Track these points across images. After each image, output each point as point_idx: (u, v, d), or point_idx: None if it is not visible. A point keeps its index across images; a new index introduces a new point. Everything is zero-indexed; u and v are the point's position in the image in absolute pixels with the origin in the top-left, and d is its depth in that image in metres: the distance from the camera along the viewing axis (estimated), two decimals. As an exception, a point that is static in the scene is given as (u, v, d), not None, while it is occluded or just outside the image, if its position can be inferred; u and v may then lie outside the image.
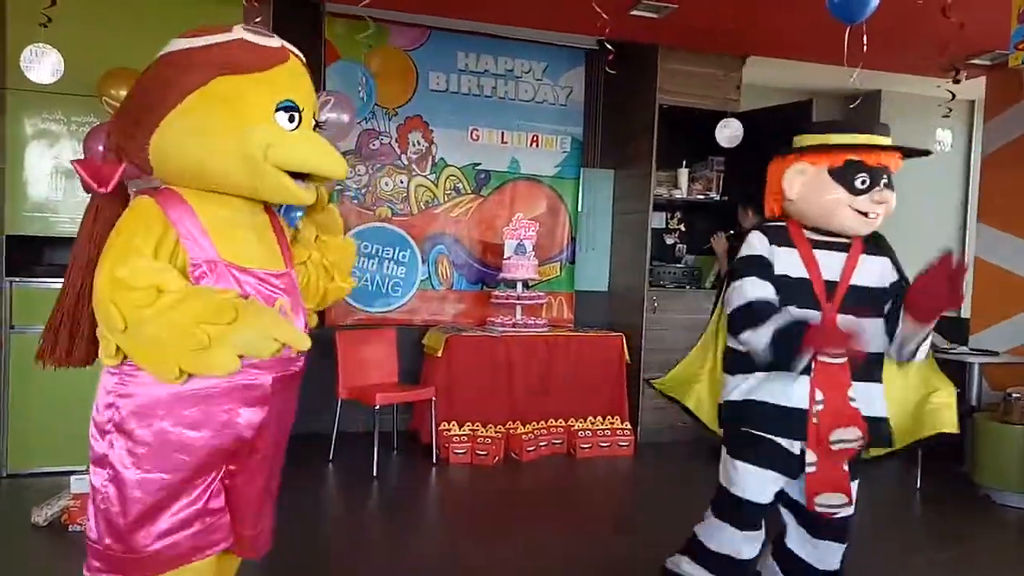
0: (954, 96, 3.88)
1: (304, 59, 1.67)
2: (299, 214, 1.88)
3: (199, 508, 1.57)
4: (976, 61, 4.74)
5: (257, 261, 1.59)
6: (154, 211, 1.48)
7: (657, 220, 5.33)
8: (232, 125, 1.49)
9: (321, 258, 1.84)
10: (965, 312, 6.00)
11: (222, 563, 1.71)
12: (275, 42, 1.61)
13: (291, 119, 1.55)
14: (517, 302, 4.91)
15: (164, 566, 1.54)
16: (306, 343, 1.49)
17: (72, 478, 3.09)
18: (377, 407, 4.07)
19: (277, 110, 1.52)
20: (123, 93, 3.45)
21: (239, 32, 1.58)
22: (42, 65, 3.27)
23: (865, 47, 2.95)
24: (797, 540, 2.17)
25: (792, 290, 2.00)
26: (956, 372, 4.83)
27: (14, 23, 3.65)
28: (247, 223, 1.62)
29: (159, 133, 1.49)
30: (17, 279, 3.77)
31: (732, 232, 4.75)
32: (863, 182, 2.01)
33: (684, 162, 5.30)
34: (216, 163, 1.51)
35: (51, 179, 3.81)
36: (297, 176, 1.56)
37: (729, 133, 4.68)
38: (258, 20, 3.96)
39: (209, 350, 1.40)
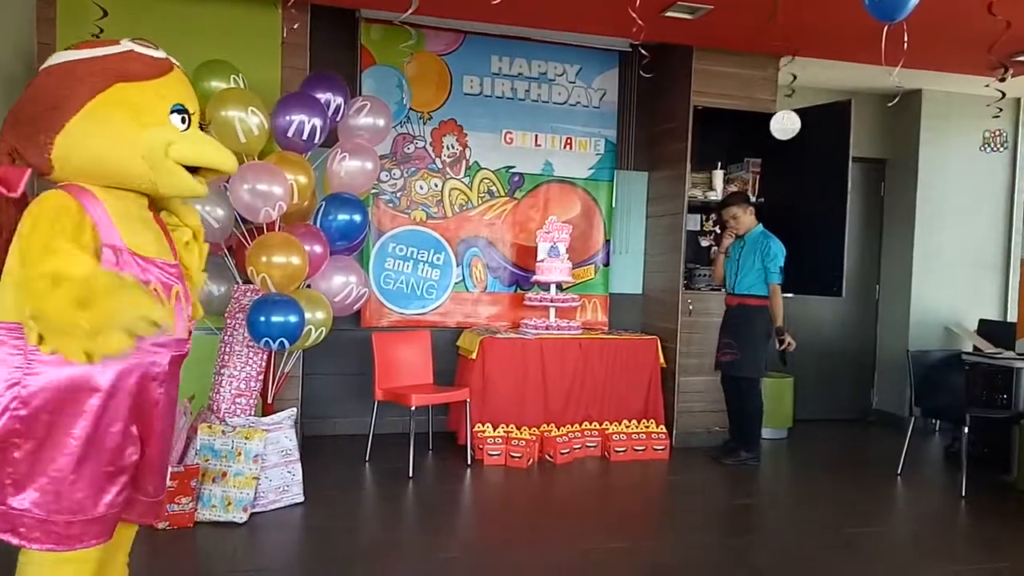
0: (1004, 95, 3.79)
1: (183, 68, 1.87)
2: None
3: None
4: (1022, 58, 4.61)
5: (154, 252, 1.76)
6: (70, 202, 1.61)
7: (692, 222, 5.29)
8: (133, 126, 1.66)
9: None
10: (1011, 316, 5.84)
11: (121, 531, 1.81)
12: (160, 53, 1.81)
13: (183, 120, 1.75)
14: (551, 304, 4.92)
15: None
16: (170, 323, 1.69)
17: None
18: (413, 408, 4.11)
19: (171, 113, 1.72)
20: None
21: (128, 44, 1.76)
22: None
23: (906, 45, 2.90)
24: None
25: None
26: (1002, 378, 4.71)
27: (63, 33, 3.78)
28: (141, 217, 1.79)
29: (63, 134, 1.63)
30: (66, 281, 3.89)
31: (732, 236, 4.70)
32: None
33: (719, 163, 5.26)
34: (118, 160, 1.67)
35: (98, 184, 3.92)
36: (190, 171, 1.77)
37: (787, 126, 4.59)
38: (296, 27, 4.05)
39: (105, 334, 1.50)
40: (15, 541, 1.60)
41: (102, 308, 1.46)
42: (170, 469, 2.50)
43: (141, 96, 1.69)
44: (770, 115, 4.80)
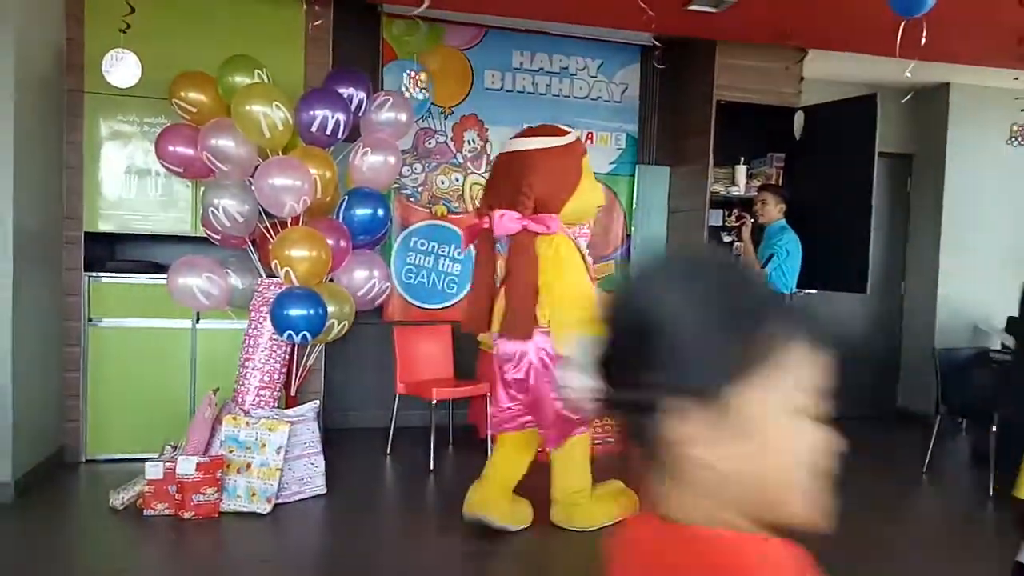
0: (1034, 87, 3.71)
1: None
2: None
3: None
4: (1053, 50, 4.52)
5: None
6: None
7: (714, 217, 5.25)
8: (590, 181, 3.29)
9: None
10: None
11: None
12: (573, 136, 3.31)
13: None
14: (571, 299, 4.91)
15: None
16: None
17: (147, 464, 3.23)
18: (434, 402, 4.13)
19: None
20: (192, 95, 3.61)
21: (575, 134, 3.34)
22: (122, 69, 3.42)
23: (924, 40, 2.85)
24: None
25: None
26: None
27: (90, 29, 3.83)
28: None
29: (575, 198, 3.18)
30: (94, 274, 3.96)
31: (754, 220, 4.65)
32: None
33: (742, 158, 5.21)
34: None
35: (125, 179, 3.98)
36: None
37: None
38: (318, 23, 4.07)
39: None
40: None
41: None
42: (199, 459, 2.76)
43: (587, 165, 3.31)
44: (794, 109, 4.75)
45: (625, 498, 3.33)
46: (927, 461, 4.47)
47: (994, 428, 4.06)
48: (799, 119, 4.67)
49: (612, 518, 3.25)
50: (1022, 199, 5.95)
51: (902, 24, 2.78)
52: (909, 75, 3.33)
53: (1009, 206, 5.92)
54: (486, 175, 5.14)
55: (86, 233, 3.93)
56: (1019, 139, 5.87)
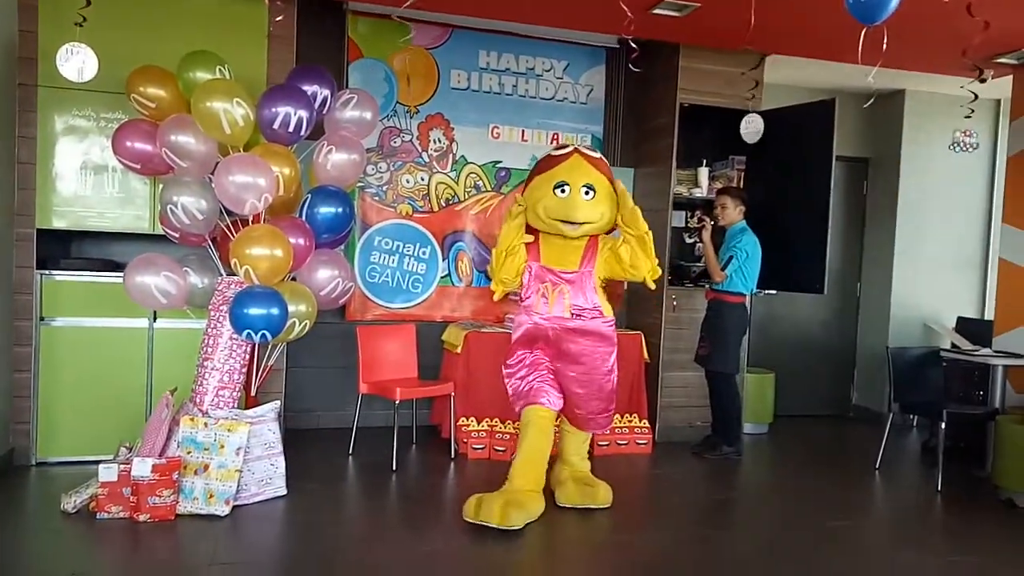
0: (976, 96, 3.84)
1: (588, 154, 3.59)
2: None
3: None
4: (1002, 60, 4.67)
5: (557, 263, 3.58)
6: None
7: (677, 219, 5.32)
8: (534, 199, 3.54)
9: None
10: (988, 314, 5.94)
11: None
12: (566, 150, 3.58)
13: (563, 191, 3.46)
14: (536, 299, 4.93)
15: None
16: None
17: (100, 467, 3.16)
18: (397, 402, 4.11)
19: (555, 188, 3.47)
20: (151, 90, 3.54)
21: (549, 151, 3.69)
22: (77, 63, 3.33)
23: (885, 46, 2.92)
24: None
25: None
26: (979, 374, 4.78)
27: (44, 21, 3.73)
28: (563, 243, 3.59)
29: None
30: (46, 272, 3.86)
31: (714, 222, 4.73)
32: None
33: (704, 161, 5.29)
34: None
35: (80, 175, 3.89)
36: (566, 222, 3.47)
37: (753, 129, 4.70)
38: (280, 19, 4.02)
39: None
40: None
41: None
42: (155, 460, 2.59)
43: (541, 181, 3.54)
44: (756, 113, 4.83)
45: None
46: (879, 457, 4.60)
47: (943, 425, 4.20)
48: (746, 123, 4.74)
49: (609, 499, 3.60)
50: (968, 203, 6.15)
51: (863, 31, 2.84)
52: (872, 80, 3.41)
53: (960, 210, 6.11)
54: (451, 174, 5.14)
55: (39, 230, 3.83)
56: (960, 145, 6.06)
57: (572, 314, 3.51)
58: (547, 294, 3.53)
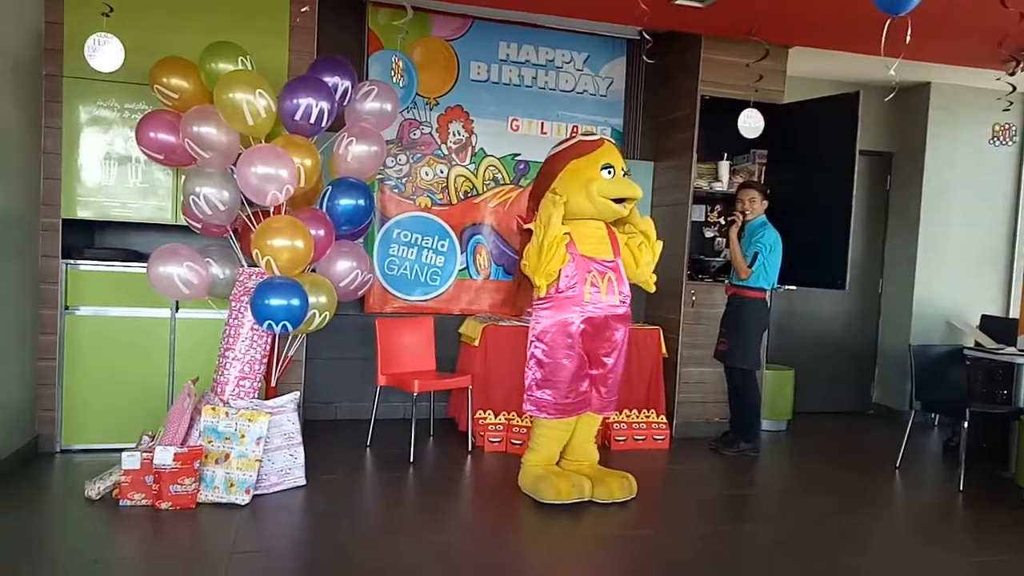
0: (1014, 88, 3.76)
1: (614, 141, 3.77)
2: None
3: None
4: (1034, 52, 4.58)
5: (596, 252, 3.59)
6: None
7: (697, 213, 5.28)
8: (580, 182, 3.53)
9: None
10: (1014, 312, 5.84)
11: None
12: (596, 137, 3.66)
13: (609, 172, 3.54)
14: (554, 293, 4.92)
15: None
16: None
17: (123, 454, 3.20)
18: (415, 394, 4.13)
19: (602, 169, 3.52)
20: (174, 81, 3.56)
21: (579, 137, 3.70)
22: (105, 54, 3.36)
23: (908, 38, 2.88)
24: None
25: None
26: (1003, 373, 4.71)
27: (69, 12, 3.76)
28: (595, 234, 3.61)
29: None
30: (71, 261, 3.90)
31: (744, 218, 4.66)
32: None
33: (725, 154, 5.24)
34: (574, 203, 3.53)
35: (104, 165, 3.93)
36: (617, 200, 3.53)
37: (751, 124, 4.59)
38: (304, 10, 4.03)
39: None
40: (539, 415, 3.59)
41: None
42: (176, 449, 2.60)
43: (584, 164, 3.55)
44: (778, 106, 4.77)
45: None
46: (900, 456, 4.55)
47: (966, 424, 4.14)
48: (744, 118, 4.59)
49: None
50: (999, 199, 6.05)
51: (887, 22, 2.80)
52: (894, 73, 3.36)
53: (986, 206, 6.01)
54: (470, 167, 5.14)
55: (64, 220, 3.87)
56: (1000, 139, 5.96)
57: (621, 301, 3.61)
58: (597, 283, 3.55)
